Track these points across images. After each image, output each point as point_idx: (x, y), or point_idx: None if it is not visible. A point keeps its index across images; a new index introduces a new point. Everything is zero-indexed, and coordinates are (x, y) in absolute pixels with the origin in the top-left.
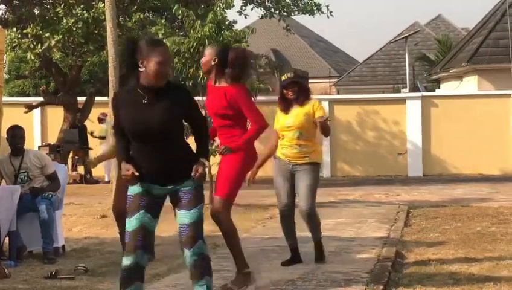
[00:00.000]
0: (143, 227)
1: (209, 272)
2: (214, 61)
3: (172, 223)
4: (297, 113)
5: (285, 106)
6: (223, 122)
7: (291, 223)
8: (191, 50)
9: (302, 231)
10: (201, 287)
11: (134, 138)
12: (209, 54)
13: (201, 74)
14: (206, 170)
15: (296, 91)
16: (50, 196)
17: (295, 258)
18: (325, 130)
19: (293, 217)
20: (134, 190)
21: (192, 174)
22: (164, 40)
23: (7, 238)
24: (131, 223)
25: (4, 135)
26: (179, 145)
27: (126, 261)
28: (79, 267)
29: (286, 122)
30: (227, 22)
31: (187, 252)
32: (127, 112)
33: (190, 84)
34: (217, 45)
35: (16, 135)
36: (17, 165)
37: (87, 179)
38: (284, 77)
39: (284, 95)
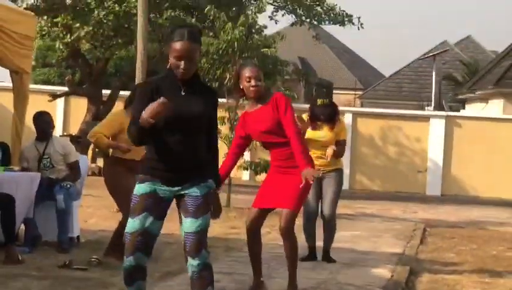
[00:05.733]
0: (145, 230)
1: (212, 282)
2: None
3: None
4: (328, 133)
5: (315, 125)
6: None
7: (314, 226)
8: (220, 52)
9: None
10: None
11: (165, 128)
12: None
13: (228, 76)
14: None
15: (328, 115)
16: (68, 186)
17: (313, 256)
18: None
19: (316, 220)
20: (139, 190)
21: (211, 216)
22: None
23: (23, 225)
24: (133, 224)
25: (28, 121)
26: (202, 145)
27: (126, 262)
28: (92, 259)
29: (318, 137)
30: (257, 27)
31: (191, 261)
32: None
33: (216, 85)
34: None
35: (45, 120)
36: (41, 150)
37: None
38: (319, 102)
39: (315, 116)
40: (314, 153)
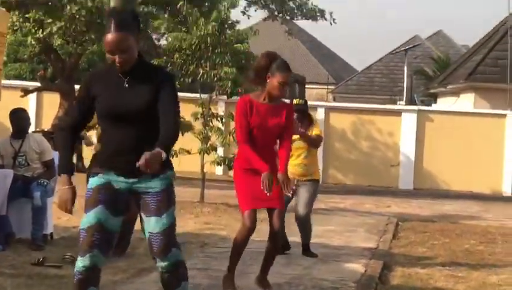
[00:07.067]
0: (101, 225)
1: (185, 277)
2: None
3: None
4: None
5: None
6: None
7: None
8: (193, 47)
9: (291, 236)
10: None
11: (108, 120)
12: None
13: (201, 71)
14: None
15: (301, 113)
16: (45, 183)
17: (284, 246)
18: (311, 143)
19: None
20: (92, 183)
21: (138, 163)
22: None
23: None
24: (87, 219)
25: (0, 117)
26: (153, 135)
27: (81, 262)
28: (66, 256)
29: (295, 143)
30: (230, 22)
31: (160, 263)
32: (107, 93)
33: (189, 80)
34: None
35: (22, 116)
36: (17, 148)
37: (78, 167)
38: (295, 102)
39: None
40: (292, 161)
